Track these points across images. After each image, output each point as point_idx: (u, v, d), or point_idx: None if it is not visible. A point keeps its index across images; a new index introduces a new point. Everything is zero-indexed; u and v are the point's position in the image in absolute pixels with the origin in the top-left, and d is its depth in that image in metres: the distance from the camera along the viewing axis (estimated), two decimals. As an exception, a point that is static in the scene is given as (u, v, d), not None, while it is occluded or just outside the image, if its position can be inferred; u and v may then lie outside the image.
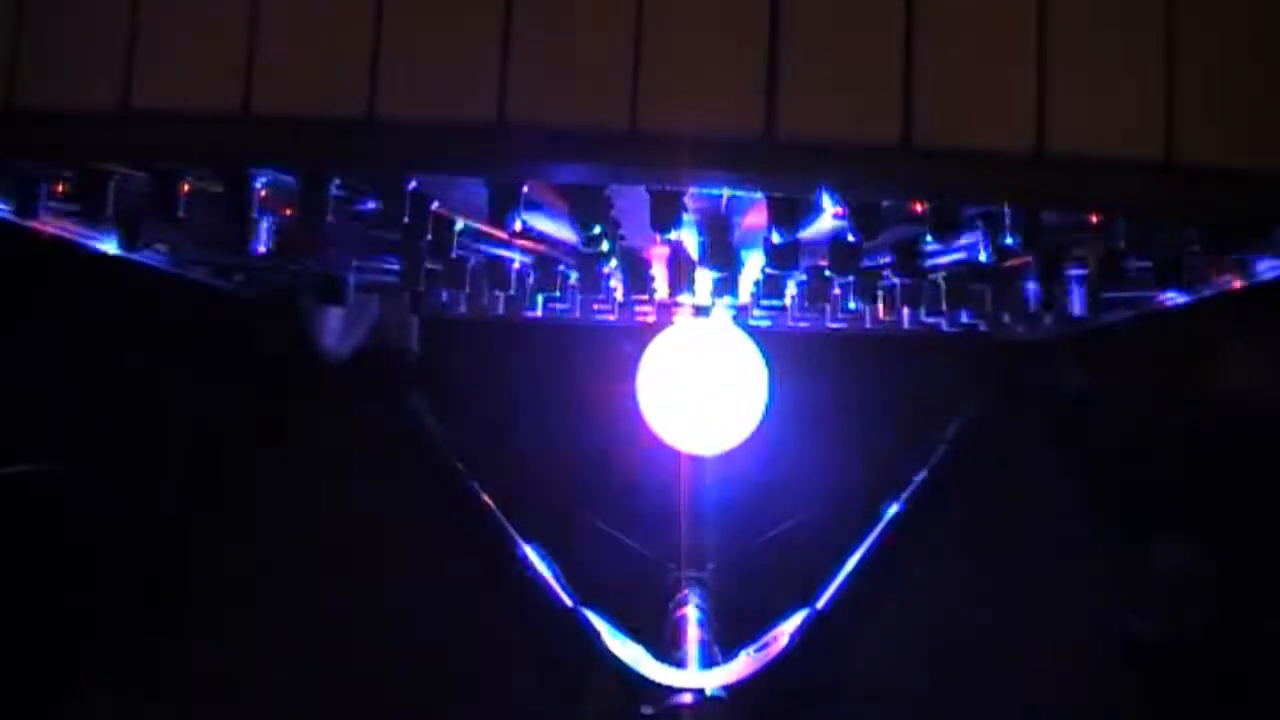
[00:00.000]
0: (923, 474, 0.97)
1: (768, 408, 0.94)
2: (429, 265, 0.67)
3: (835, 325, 0.82)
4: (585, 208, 0.46)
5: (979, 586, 0.93)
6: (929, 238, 0.45)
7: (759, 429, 0.94)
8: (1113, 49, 0.41)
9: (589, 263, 0.64)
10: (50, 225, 0.54)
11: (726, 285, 0.68)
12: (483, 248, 0.65)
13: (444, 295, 0.75)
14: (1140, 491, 0.87)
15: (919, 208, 0.45)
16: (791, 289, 0.71)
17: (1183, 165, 0.40)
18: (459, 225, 0.55)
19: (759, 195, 0.46)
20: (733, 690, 0.82)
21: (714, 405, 0.93)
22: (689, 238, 0.59)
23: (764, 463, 0.97)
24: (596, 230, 0.47)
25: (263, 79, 0.41)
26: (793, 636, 0.86)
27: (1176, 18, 0.41)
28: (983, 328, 0.78)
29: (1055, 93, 0.40)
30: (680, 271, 0.66)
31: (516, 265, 0.69)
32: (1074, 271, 0.59)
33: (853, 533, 0.94)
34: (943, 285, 0.67)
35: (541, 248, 0.64)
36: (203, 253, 0.66)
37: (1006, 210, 0.45)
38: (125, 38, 0.42)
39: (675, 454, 0.97)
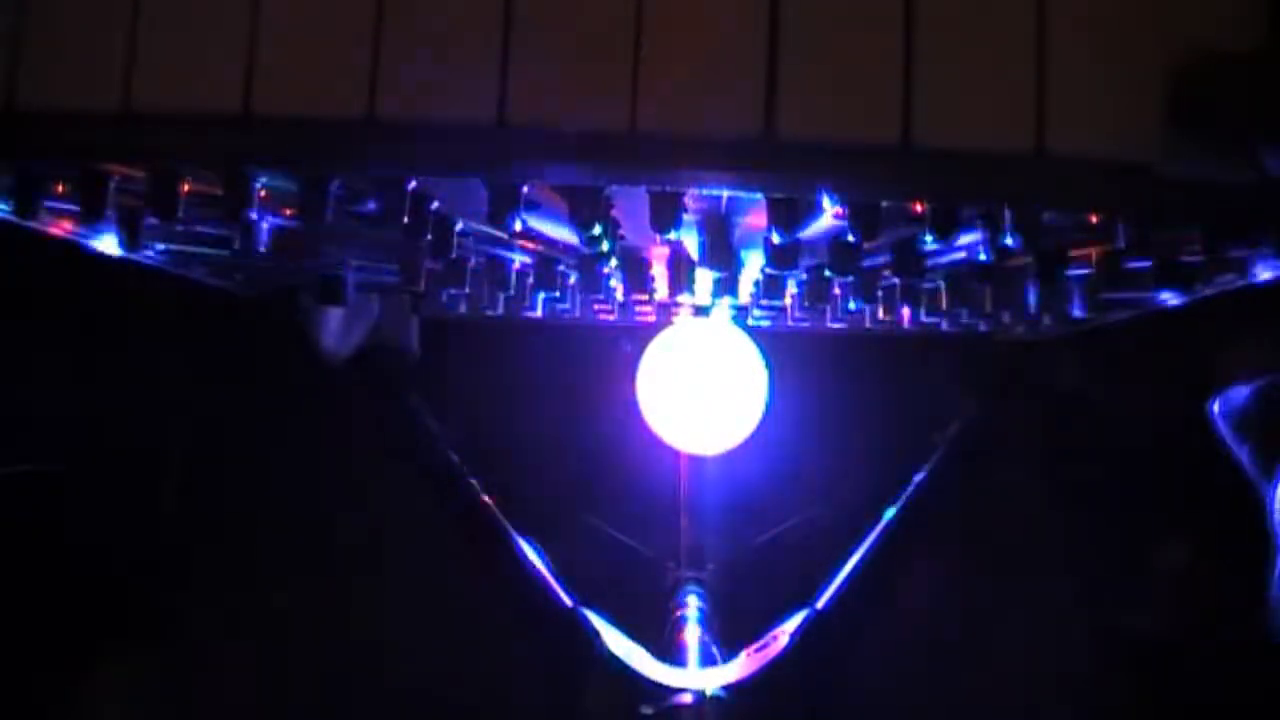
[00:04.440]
0: (922, 474, 0.97)
1: (768, 408, 0.94)
2: (429, 265, 0.67)
3: (835, 326, 0.82)
4: (585, 208, 0.46)
5: (979, 586, 0.93)
6: (929, 238, 0.45)
7: (759, 429, 0.94)
8: (1113, 49, 0.41)
9: (589, 263, 0.64)
10: (50, 225, 0.54)
11: (726, 285, 0.68)
12: (484, 247, 0.65)
13: (444, 295, 0.75)
14: (1141, 491, 0.87)
15: (919, 208, 0.45)
16: (791, 289, 0.71)
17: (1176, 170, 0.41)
18: (459, 225, 0.55)
19: (759, 196, 0.46)
20: (733, 690, 0.82)
21: (714, 405, 0.93)
22: (689, 238, 0.59)
23: (764, 463, 0.97)
24: (597, 230, 0.47)
25: (263, 79, 0.41)
26: (793, 636, 0.86)
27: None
28: (983, 328, 0.78)
29: (1055, 93, 0.40)
30: (680, 271, 0.66)
31: (517, 265, 0.69)
32: (1074, 271, 0.59)
33: (853, 533, 0.94)
34: (943, 285, 0.67)
35: (541, 248, 0.64)
36: (203, 253, 0.66)
37: (1006, 210, 0.45)
38: (125, 38, 0.42)
39: (675, 454, 0.97)
